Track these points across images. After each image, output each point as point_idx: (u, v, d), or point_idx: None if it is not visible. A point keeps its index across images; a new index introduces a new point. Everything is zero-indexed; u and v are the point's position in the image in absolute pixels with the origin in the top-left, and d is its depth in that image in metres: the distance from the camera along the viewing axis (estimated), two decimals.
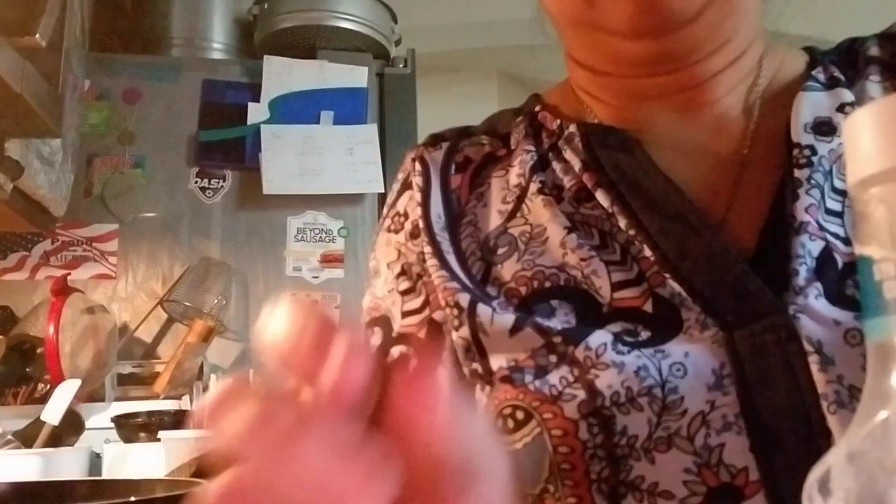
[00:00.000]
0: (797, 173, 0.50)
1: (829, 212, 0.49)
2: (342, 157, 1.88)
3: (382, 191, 1.88)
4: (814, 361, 0.44)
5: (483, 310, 0.50)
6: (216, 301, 1.74)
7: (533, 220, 0.54)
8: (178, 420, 1.48)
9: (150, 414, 1.49)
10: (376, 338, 0.56)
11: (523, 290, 0.51)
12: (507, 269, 0.52)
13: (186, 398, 1.56)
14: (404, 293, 0.55)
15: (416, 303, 0.55)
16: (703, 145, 0.54)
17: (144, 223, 1.86)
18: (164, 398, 1.61)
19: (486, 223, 0.56)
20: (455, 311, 0.51)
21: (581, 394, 0.46)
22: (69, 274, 1.70)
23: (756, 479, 0.44)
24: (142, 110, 1.91)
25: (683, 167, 0.53)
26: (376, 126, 1.93)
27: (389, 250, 0.58)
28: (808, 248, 0.47)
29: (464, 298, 0.51)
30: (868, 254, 0.23)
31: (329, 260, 1.88)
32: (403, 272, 0.56)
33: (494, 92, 3.36)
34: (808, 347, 0.45)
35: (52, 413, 1.31)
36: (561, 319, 0.49)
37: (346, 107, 1.94)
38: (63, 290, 1.59)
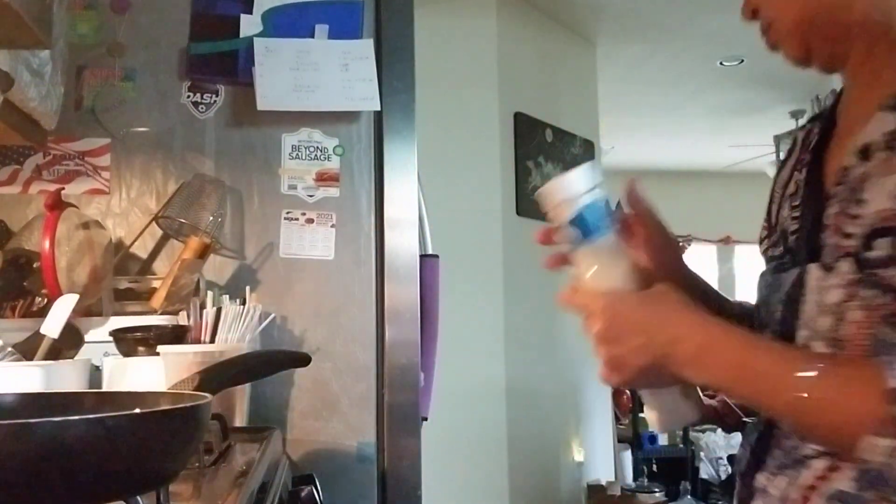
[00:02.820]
0: None
1: None
2: (337, 74, 1.84)
3: (378, 108, 1.85)
4: None
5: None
6: (212, 218, 1.74)
7: None
8: (176, 335, 1.50)
9: (149, 328, 1.51)
10: None
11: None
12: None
13: (184, 314, 1.57)
14: None
15: None
16: None
17: (137, 138, 1.84)
18: (162, 314, 1.63)
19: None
20: None
21: None
22: (63, 188, 1.69)
23: None
24: (131, 20, 1.85)
25: None
26: (372, 41, 1.88)
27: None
28: None
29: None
30: None
31: (324, 178, 1.87)
32: None
33: (493, 8, 3.27)
34: None
35: (52, 326, 1.33)
36: None
37: (341, 20, 1.89)
38: (57, 204, 1.58)
